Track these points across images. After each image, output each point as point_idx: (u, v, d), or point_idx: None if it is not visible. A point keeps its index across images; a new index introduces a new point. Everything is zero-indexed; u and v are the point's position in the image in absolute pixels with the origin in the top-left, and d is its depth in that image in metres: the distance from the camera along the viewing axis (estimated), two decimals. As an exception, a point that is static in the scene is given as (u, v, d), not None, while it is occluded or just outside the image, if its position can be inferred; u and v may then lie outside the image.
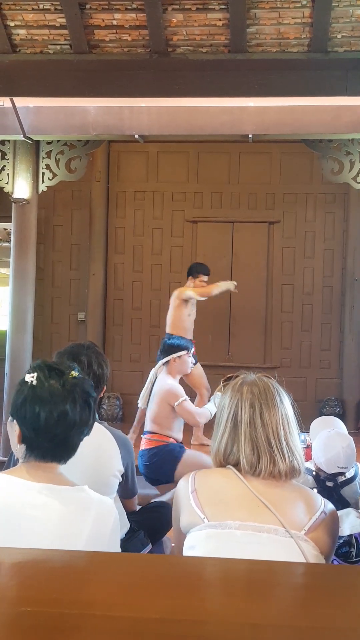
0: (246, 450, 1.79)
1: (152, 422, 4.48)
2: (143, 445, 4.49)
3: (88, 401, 1.76)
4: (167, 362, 4.55)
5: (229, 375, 1.98)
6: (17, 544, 1.59)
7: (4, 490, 1.69)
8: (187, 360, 4.57)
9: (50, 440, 1.73)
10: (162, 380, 4.52)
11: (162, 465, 4.32)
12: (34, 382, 1.74)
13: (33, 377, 1.75)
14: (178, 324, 6.50)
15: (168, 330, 6.50)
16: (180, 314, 6.54)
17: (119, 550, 1.82)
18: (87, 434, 1.80)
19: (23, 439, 1.75)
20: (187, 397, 4.46)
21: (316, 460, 2.96)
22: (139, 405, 4.75)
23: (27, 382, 1.75)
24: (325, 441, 2.95)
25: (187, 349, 4.57)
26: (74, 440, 1.76)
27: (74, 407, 1.72)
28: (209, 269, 6.91)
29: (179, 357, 4.52)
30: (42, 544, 1.60)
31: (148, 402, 4.65)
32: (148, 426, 4.52)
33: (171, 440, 4.44)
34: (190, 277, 6.77)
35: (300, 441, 3.61)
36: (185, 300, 6.55)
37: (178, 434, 4.49)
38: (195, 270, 6.82)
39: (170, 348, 4.57)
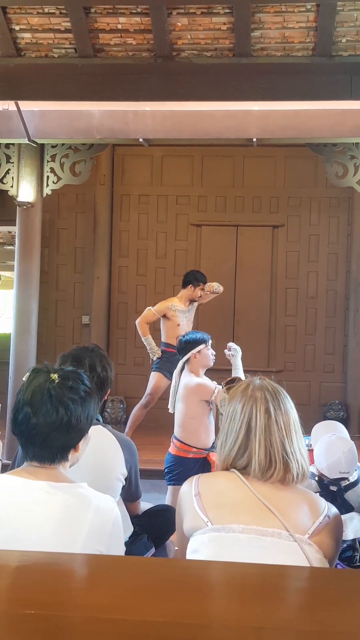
0: (260, 455, 1.78)
1: (179, 425, 4.39)
2: (170, 448, 4.47)
3: (57, 408, 1.75)
4: (188, 360, 4.40)
5: (229, 379, 1.98)
6: (18, 539, 1.61)
7: (4, 488, 1.72)
8: (208, 352, 4.40)
9: (20, 437, 1.79)
10: (187, 380, 4.38)
11: (179, 476, 4.31)
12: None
13: (26, 377, 1.83)
14: (168, 332, 6.50)
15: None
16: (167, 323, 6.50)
17: (122, 547, 1.82)
18: (71, 442, 1.81)
19: None
20: (217, 385, 4.28)
21: (318, 466, 2.96)
22: (170, 410, 4.65)
23: (24, 380, 1.84)
24: (327, 446, 2.94)
25: (204, 341, 4.41)
26: (42, 443, 1.76)
27: (37, 411, 1.74)
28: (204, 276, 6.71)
29: (198, 352, 4.38)
30: (42, 539, 1.62)
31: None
32: (175, 430, 4.44)
33: (193, 450, 4.33)
34: (190, 286, 6.53)
35: (306, 445, 3.61)
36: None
37: (206, 438, 4.33)
38: (195, 278, 6.57)
39: (188, 344, 4.42)
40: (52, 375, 1.79)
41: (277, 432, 1.80)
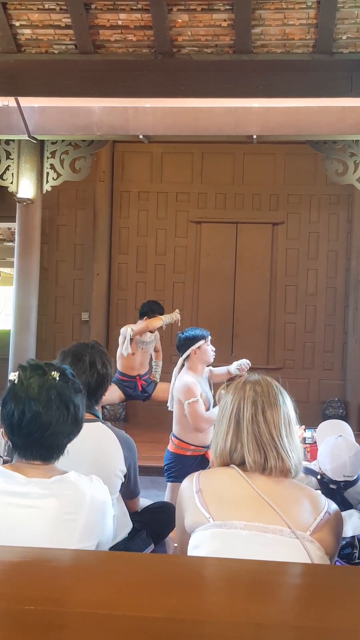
0: (250, 448, 1.79)
1: (176, 423, 4.38)
2: (168, 445, 4.47)
3: (67, 404, 1.75)
4: (188, 357, 4.38)
5: (232, 376, 1.99)
6: (13, 536, 1.63)
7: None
8: (207, 348, 4.38)
9: (25, 439, 1.76)
10: (180, 377, 4.37)
11: (178, 473, 4.30)
12: (16, 381, 1.77)
13: (16, 375, 1.78)
14: (122, 362, 6.15)
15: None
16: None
17: (111, 529, 1.86)
18: (72, 436, 1.81)
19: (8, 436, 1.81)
20: (199, 398, 4.22)
21: (322, 467, 2.94)
22: (169, 408, 4.62)
23: (11, 380, 1.78)
24: (332, 449, 2.93)
25: (204, 338, 4.39)
26: (51, 442, 1.76)
27: (49, 409, 1.73)
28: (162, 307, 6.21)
29: (198, 347, 4.35)
30: (38, 535, 1.64)
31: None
32: (173, 428, 4.42)
33: (191, 448, 4.32)
34: (145, 318, 6.05)
35: (308, 438, 3.60)
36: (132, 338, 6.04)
37: (204, 436, 4.28)
38: (151, 309, 6.07)
39: (187, 341, 4.39)
40: (52, 373, 1.78)
41: (263, 423, 1.80)
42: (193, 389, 4.28)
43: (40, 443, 1.75)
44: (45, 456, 1.77)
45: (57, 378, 1.77)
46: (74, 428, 1.79)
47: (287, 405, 1.87)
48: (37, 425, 1.73)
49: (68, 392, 1.77)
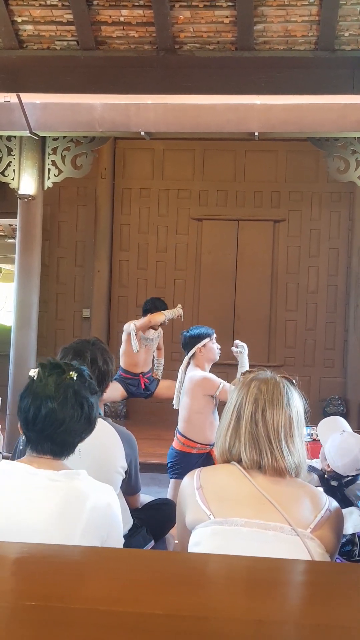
0: (246, 445, 1.79)
1: (184, 420, 4.39)
2: (173, 442, 4.47)
3: (82, 404, 1.80)
4: (193, 355, 4.41)
5: (248, 370, 1.98)
6: (18, 527, 1.66)
7: (8, 474, 1.76)
8: (213, 346, 4.42)
9: (38, 434, 1.80)
10: (193, 373, 4.38)
11: (182, 470, 4.30)
12: (35, 377, 1.82)
13: (35, 372, 1.84)
14: (125, 359, 6.00)
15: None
16: (129, 348, 5.88)
17: (120, 539, 1.86)
18: (84, 435, 1.86)
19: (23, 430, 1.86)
20: (222, 380, 4.29)
21: (332, 465, 2.94)
22: (174, 406, 4.59)
23: (30, 376, 1.84)
24: (340, 445, 2.92)
25: (208, 335, 4.43)
26: (63, 439, 1.80)
27: (64, 407, 1.77)
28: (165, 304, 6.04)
29: (203, 345, 4.38)
30: (42, 530, 1.66)
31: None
32: (180, 425, 4.43)
33: (197, 446, 4.33)
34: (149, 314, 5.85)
35: (307, 435, 3.60)
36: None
37: (211, 434, 4.30)
38: (155, 306, 5.92)
39: (192, 339, 4.43)
40: (71, 373, 1.82)
41: (262, 422, 1.79)
42: (212, 378, 4.32)
43: (53, 439, 1.79)
44: (56, 452, 1.81)
45: (75, 378, 1.82)
46: (87, 427, 1.84)
47: (292, 407, 1.85)
48: (51, 421, 1.78)
49: (84, 392, 1.82)
